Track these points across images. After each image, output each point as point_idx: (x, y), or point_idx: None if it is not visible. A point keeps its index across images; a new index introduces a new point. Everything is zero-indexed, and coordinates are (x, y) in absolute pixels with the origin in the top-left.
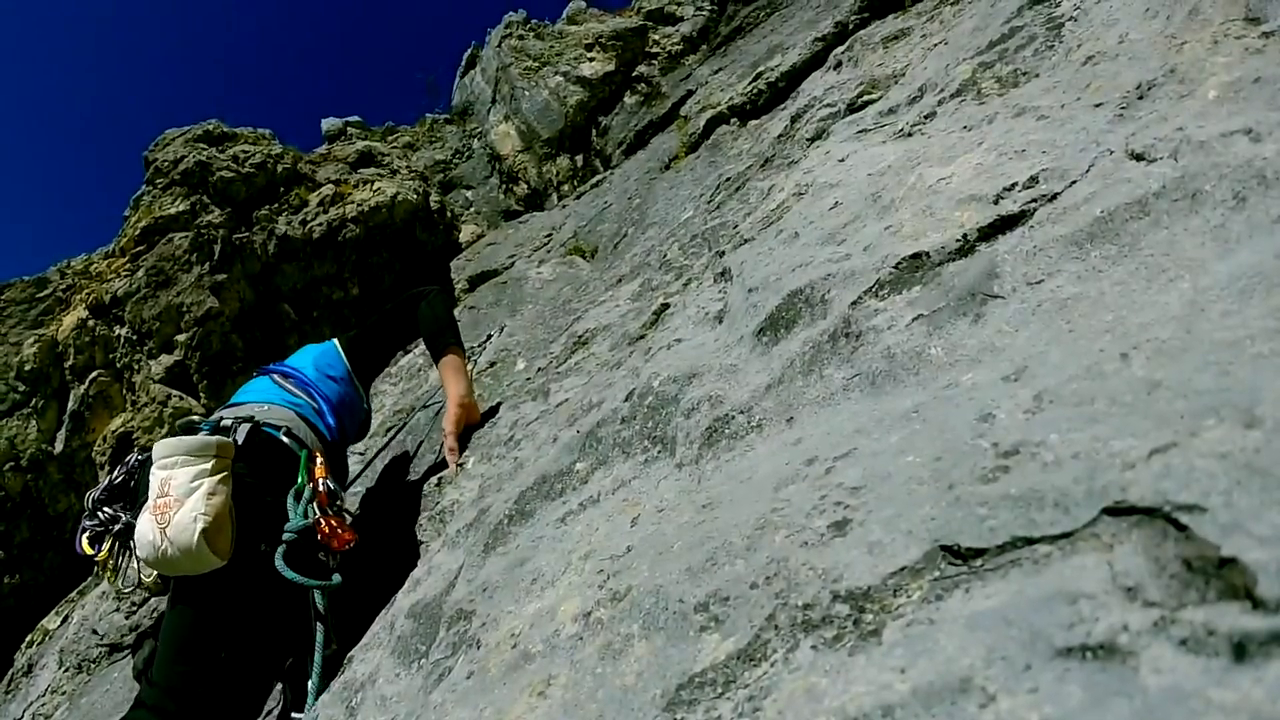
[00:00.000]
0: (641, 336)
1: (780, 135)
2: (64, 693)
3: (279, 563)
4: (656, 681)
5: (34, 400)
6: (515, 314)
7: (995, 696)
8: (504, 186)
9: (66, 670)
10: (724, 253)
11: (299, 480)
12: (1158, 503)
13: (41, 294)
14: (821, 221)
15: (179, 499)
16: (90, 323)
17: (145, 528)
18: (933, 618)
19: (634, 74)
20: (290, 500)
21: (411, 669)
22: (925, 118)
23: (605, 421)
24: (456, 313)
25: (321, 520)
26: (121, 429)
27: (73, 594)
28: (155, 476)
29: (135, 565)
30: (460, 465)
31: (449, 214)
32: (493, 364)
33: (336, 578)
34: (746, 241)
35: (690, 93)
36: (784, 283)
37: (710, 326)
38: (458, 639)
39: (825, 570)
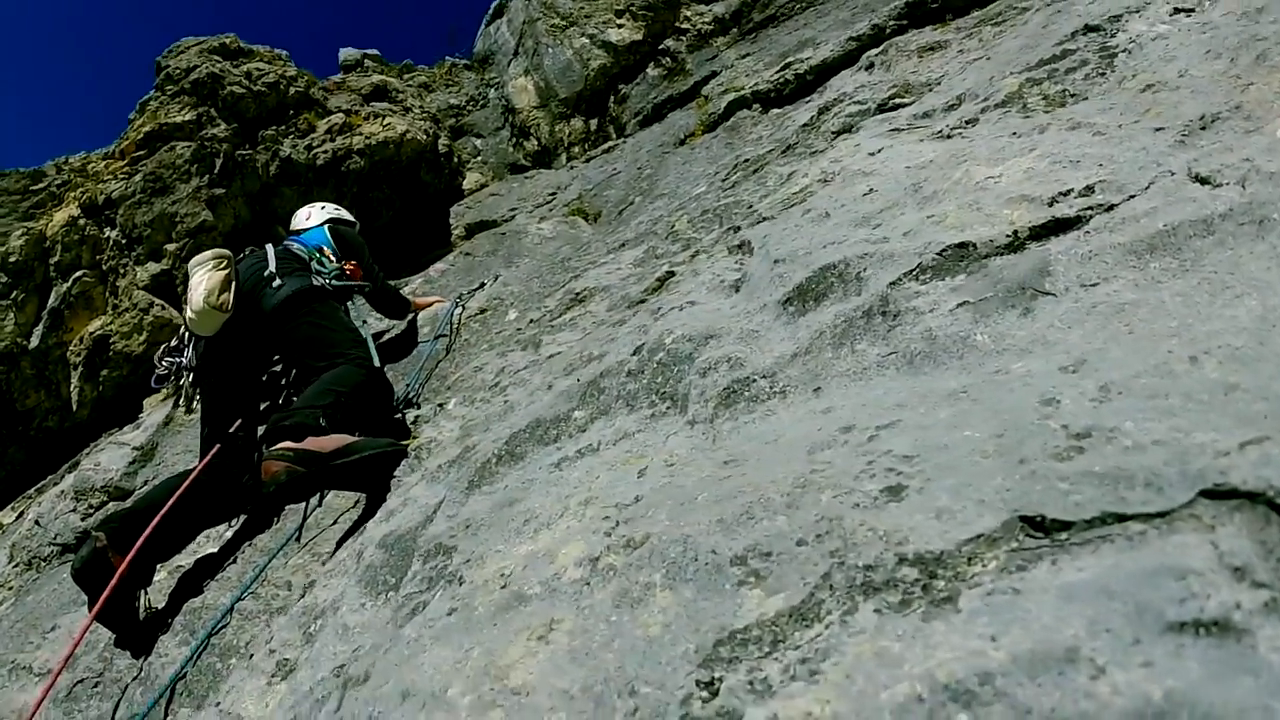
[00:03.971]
0: (642, 301)
1: (805, 125)
2: (11, 588)
3: (333, 283)
4: (689, 635)
5: (14, 293)
6: (511, 265)
7: (1105, 668)
8: (514, 140)
9: (16, 566)
10: (740, 227)
11: (315, 252)
12: (1261, 488)
13: (35, 187)
14: (855, 205)
15: (195, 287)
16: (81, 221)
17: (186, 314)
18: (1017, 587)
19: (660, 46)
20: (318, 257)
21: (378, 600)
22: (966, 123)
23: (609, 373)
24: (452, 257)
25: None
26: (100, 331)
27: (31, 490)
28: (188, 285)
29: (189, 394)
30: (440, 405)
31: (456, 159)
32: (483, 310)
33: (367, 285)
34: (767, 219)
35: (714, 74)
36: (814, 257)
37: (726, 294)
38: (435, 574)
39: (887, 533)
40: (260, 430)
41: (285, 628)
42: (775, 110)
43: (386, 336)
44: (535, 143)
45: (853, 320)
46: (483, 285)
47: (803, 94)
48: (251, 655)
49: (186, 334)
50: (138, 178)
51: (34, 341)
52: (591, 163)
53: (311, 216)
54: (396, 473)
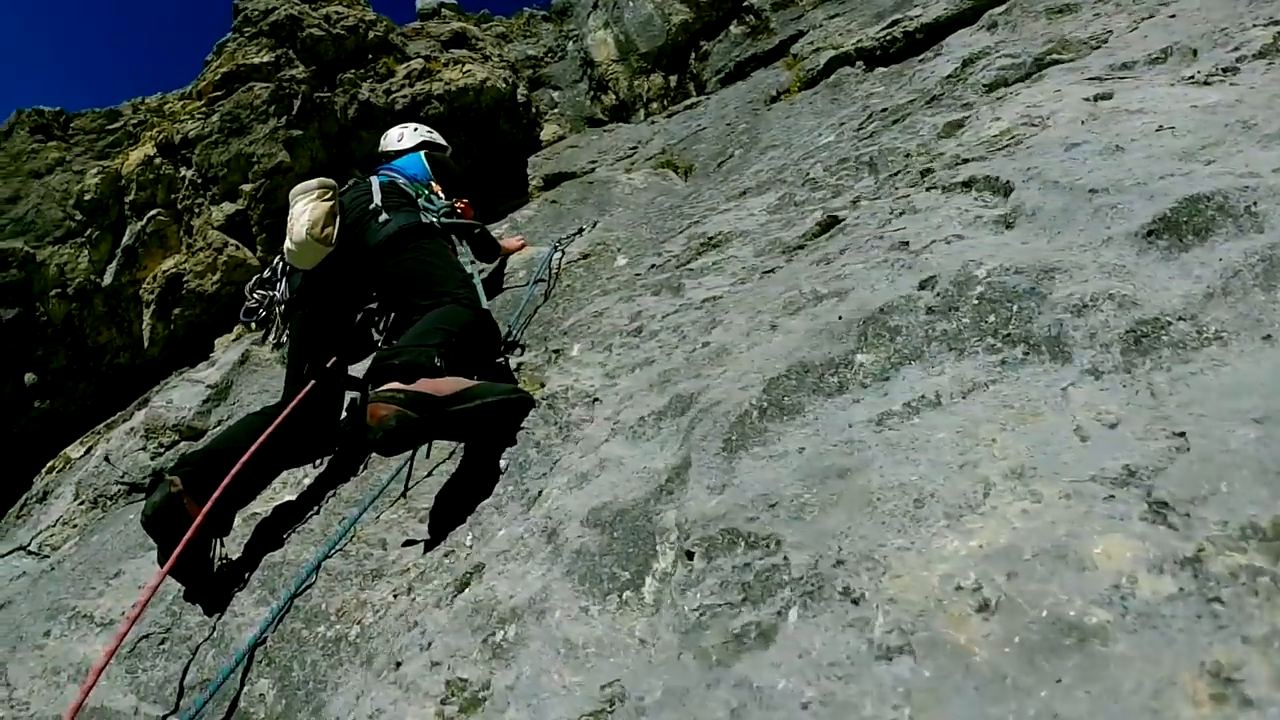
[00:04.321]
0: (800, 246)
1: (949, 78)
2: (75, 525)
3: (443, 220)
4: None
5: (89, 230)
6: (605, 213)
7: None
8: (592, 93)
9: (82, 503)
10: (932, 169)
11: (424, 188)
12: None
13: (112, 126)
14: (1154, 140)
15: (297, 217)
16: (157, 160)
17: (284, 245)
18: None
19: (744, 4)
20: (426, 193)
21: (610, 604)
22: (1224, 71)
23: (891, 310)
24: (536, 205)
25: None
26: (173, 270)
27: (100, 426)
28: (289, 214)
29: (279, 326)
30: (556, 352)
31: (534, 110)
32: (586, 256)
33: (479, 225)
34: (981, 159)
35: (801, 33)
36: (1159, 188)
37: (992, 230)
38: (760, 578)
39: None
40: (350, 372)
41: (450, 630)
42: (881, 69)
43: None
44: (613, 97)
45: (1273, 259)
46: (581, 231)
47: (912, 52)
48: (373, 659)
49: (281, 265)
50: (215, 118)
51: (107, 279)
52: (674, 118)
53: (405, 138)
54: (545, 426)
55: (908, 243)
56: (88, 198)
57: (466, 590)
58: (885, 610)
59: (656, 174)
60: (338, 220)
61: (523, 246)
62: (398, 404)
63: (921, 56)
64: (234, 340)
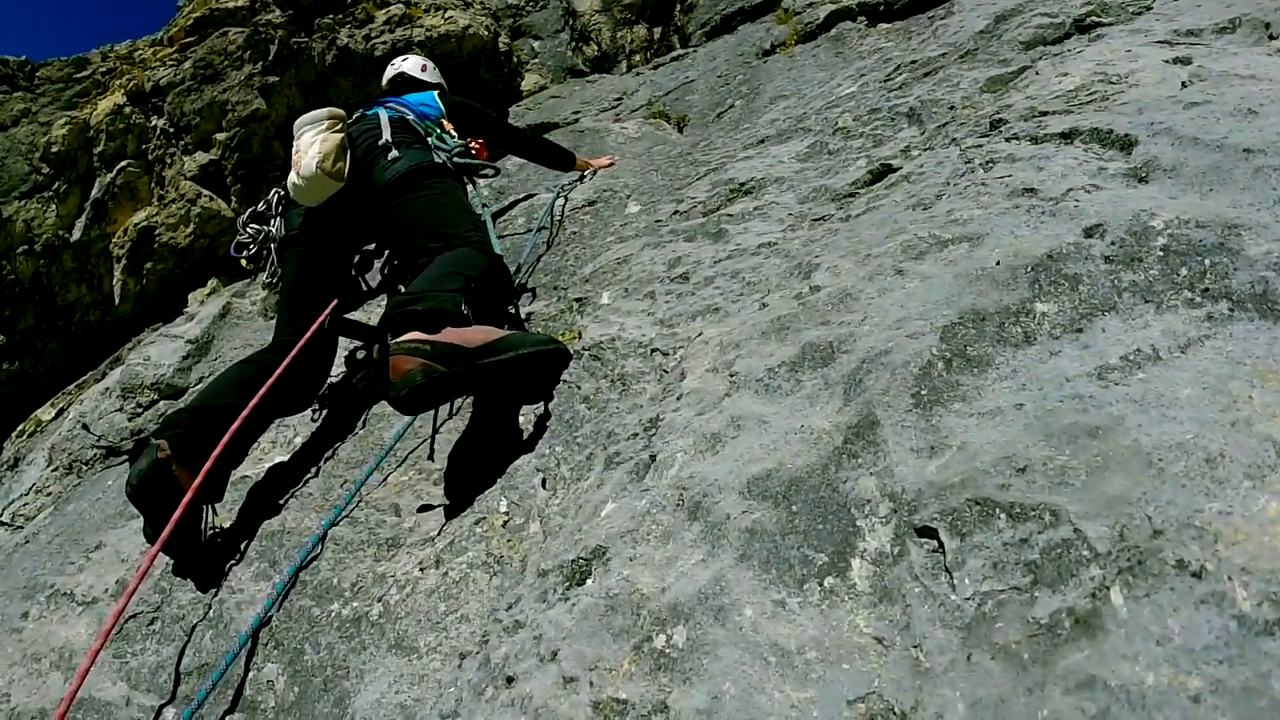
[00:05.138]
0: (852, 194)
1: (982, 33)
2: (50, 494)
3: (455, 160)
4: None
5: (57, 184)
6: None
7: None
8: (574, 44)
9: (55, 470)
10: (1003, 121)
11: (434, 126)
12: None
13: (80, 75)
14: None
15: (305, 149)
16: (127, 110)
17: (289, 178)
18: None
19: None
20: (437, 132)
21: (809, 595)
22: None
23: (1063, 258)
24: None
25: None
26: (145, 223)
27: (71, 387)
28: (295, 144)
29: (273, 264)
30: (578, 300)
31: (515, 59)
32: (592, 202)
33: (496, 170)
34: (1068, 112)
35: None
36: None
37: (1124, 182)
38: (1065, 554)
39: None
40: (347, 317)
41: (579, 635)
42: (885, 25)
43: None
44: (595, 48)
45: None
46: (583, 178)
47: (918, 9)
48: (403, 641)
49: (276, 200)
50: (187, 64)
51: (76, 234)
52: (660, 70)
53: (428, 70)
54: (567, 378)
55: (1034, 189)
56: (55, 150)
57: (590, 583)
58: (1243, 581)
59: (650, 124)
60: (348, 155)
61: (611, 164)
62: (424, 356)
63: (931, 13)
64: (210, 294)
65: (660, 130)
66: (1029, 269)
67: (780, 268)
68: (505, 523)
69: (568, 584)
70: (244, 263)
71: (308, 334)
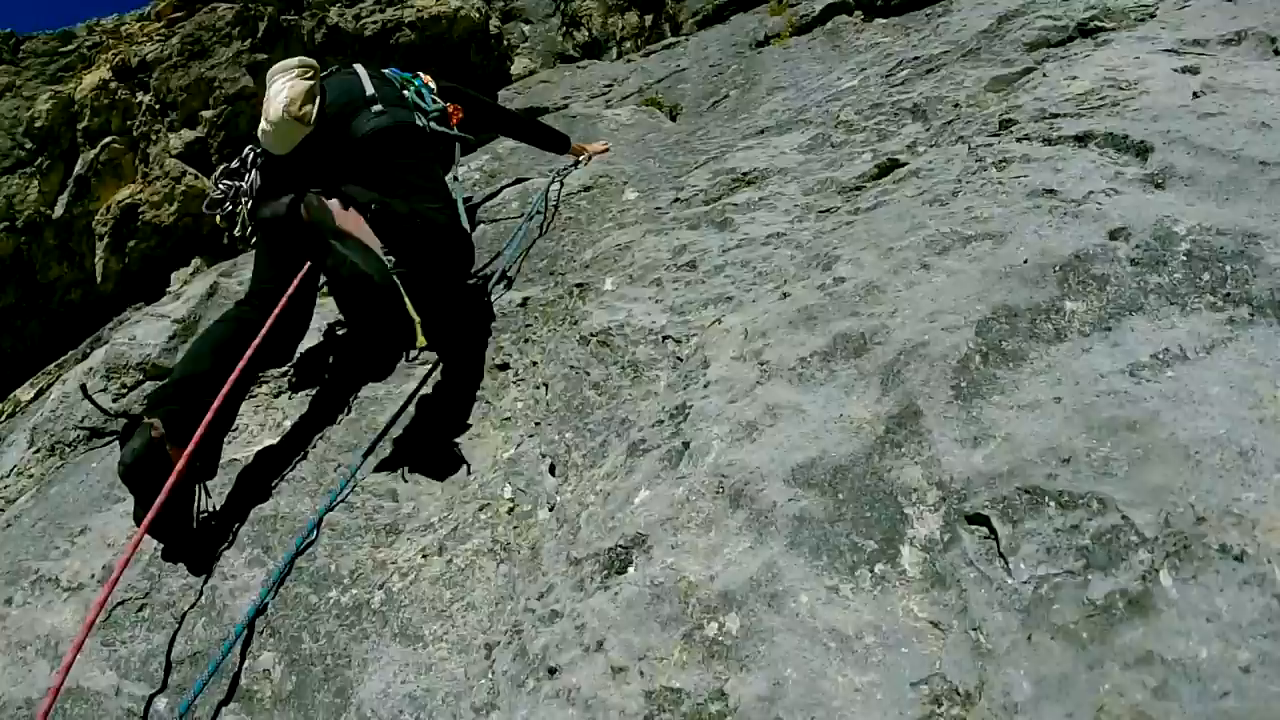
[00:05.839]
0: (858, 188)
1: (985, 32)
2: (31, 476)
3: (436, 127)
4: None
5: (39, 160)
6: None
7: None
8: (564, 29)
9: (37, 451)
10: (1010, 122)
11: (417, 84)
12: None
13: (65, 49)
14: None
15: (273, 96)
16: (112, 85)
17: (260, 127)
18: None
19: None
20: (415, 85)
21: (862, 581)
22: None
23: (1090, 259)
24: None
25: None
26: (128, 201)
27: (50, 367)
28: (266, 94)
29: (244, 220)
30: (579, 286)
31: (505, 43)
32: (588, 188)
33: (470, 137)
34: (1079, 116)
35: None
36: None
37: (1142, 187)
38: (1115, 539)
39: None
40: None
41: (625, 625)
42: (881, 20)
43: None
44: (586, 34)
45: None
46: (578, 163)
47: (915, 6)
48: (407, 630)
49: (250, 156)
50: (174, 40)
51: (58, 211)
52: (651, 57)
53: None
54: (573, 363)
55: (1054, 190)
56: (38, 124)
57: (632, 571)
58: None
59: (642, 111)
60: (317, 100)
61: (605, 150)
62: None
63: (929, 11)
64: (194, 274)
65: (653, 118)
66: (1057, 268)
67: (795, 258)
68: (511, 509)
69: (606, 572)
70: (218, 219)
71: (285, 295)
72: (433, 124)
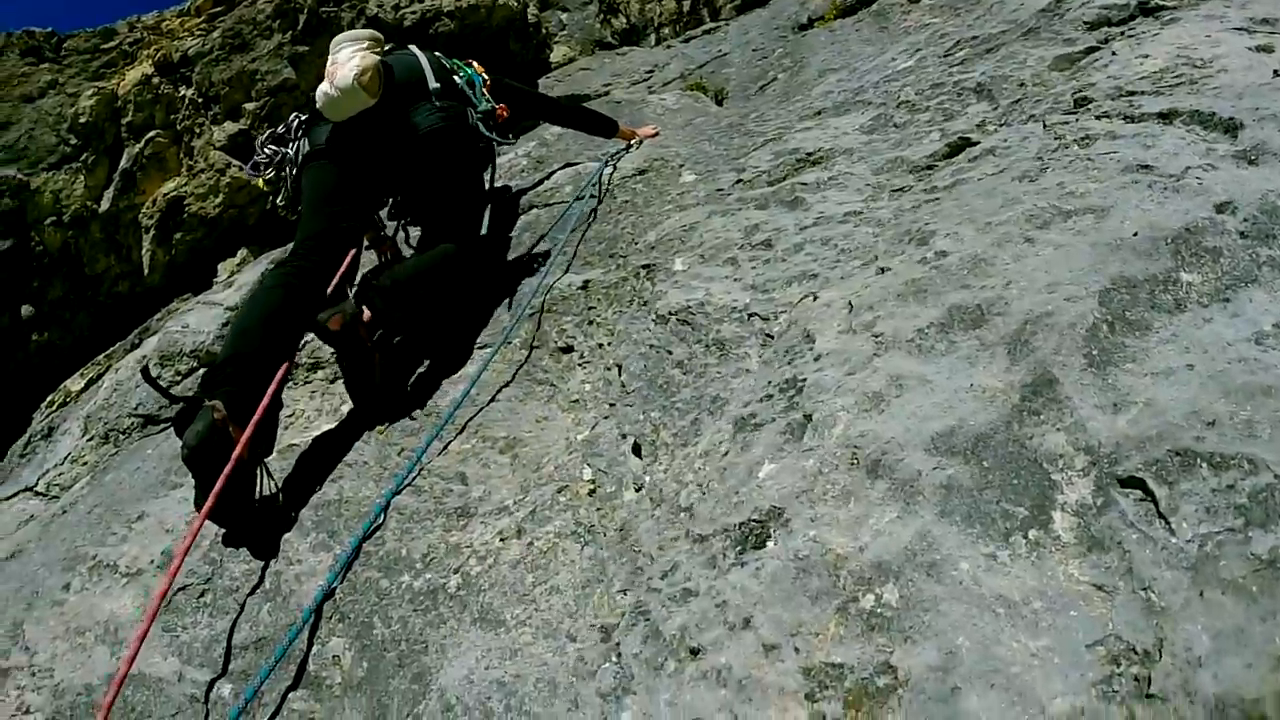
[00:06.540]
0: (930, 167)
1: (1044, 10)
2: (85, 463)
3: (481, 128)
4: None
5: (85, 155)
6: None
7: None
8: (602, 16)
9: (91, 439)
10: (1086, 98)
11: (469, 74)
12: None
13: (106, 45)
14: None
15: (343, 63)
16: (155, 80)
17: (320, 88)
18: None
19: None
20: (467, 74)
21: (1017, 547)
22: None
23: (1200, 232)
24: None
25: (496, 106)
26: (174, 193)
27: (100, 357)
28: (330, 58)
29: (288, 184)
30: (646, 268)
31: (544, 31)
32: (643, 171)
33: (510, 140)
34: (1158, 94)
35: None
36: None
37: (1235, 164)
38: (1271, 497)
39: None
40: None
41: (772, 601)
42: (929, 1)
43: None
44: (624, 20)
45: None
46: (630, 147)
47: None
48: (487, 614)
49: (296, 123)
50: (215, 34)
51: (104, 205)
52: (691, 43)
53: None
54: (685, 345)
55: (1149, 166)
56: (83, 120)
57: (771, 545)
58: None
59: (688, 95)
60: (382, 78)
61: (656, 134)
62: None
63: None
64: (240, 264)
65: (699, 102)
66: (1169, 240)
67: (881, 235)
68: (592, 490)
69: (740, 548)
70: (260, 183)
71: (346, 260)
72: (481, 125)
